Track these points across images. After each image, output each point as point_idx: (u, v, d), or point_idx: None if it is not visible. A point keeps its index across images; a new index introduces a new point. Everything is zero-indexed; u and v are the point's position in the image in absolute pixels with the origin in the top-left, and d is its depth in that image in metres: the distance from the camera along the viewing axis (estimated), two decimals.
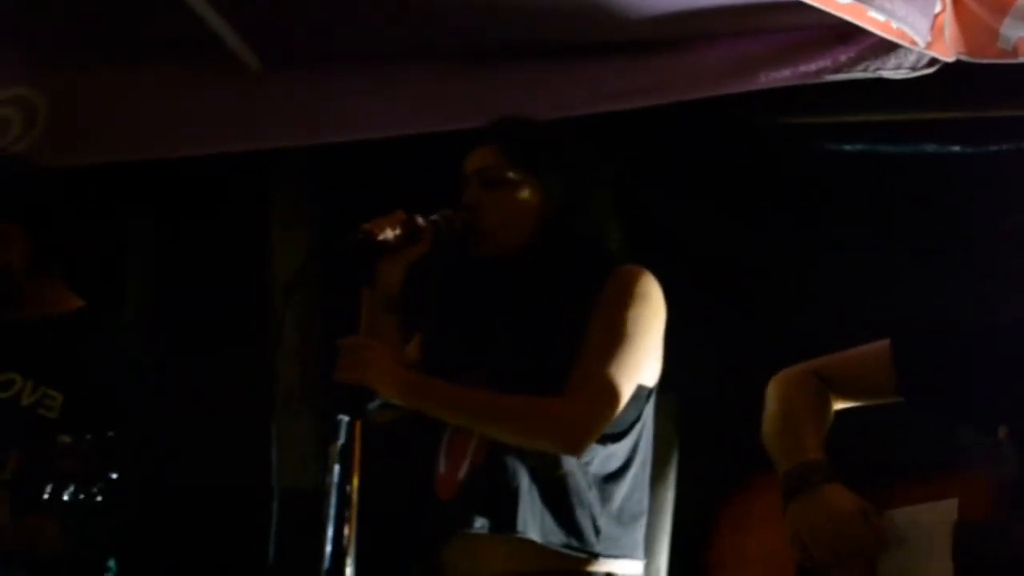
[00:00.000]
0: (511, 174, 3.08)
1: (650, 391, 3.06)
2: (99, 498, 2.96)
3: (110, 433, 3.01)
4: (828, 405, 2.99)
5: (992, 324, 2.95)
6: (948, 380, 2.86)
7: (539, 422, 2.91)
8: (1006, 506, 2.69)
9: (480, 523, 2.92)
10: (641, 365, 2.98)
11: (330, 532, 2.69)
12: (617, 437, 3.00)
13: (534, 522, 2.90)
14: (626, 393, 2.94)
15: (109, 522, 3.31)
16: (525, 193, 3.07)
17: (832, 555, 2.73)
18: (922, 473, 2.86)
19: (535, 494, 2.92)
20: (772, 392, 3.03)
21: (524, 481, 2.92)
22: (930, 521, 2.73)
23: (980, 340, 2.88)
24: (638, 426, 3.04)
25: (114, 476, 2.96)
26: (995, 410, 2.80)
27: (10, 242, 3.54)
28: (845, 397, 3.02)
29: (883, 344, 2.95)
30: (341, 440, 2.73)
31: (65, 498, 2.95)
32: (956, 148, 4.33)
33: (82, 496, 2.95)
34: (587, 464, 2.96)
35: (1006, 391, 2.76)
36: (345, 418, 2.76)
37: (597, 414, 2.91)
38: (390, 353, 2.90)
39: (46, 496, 2.96)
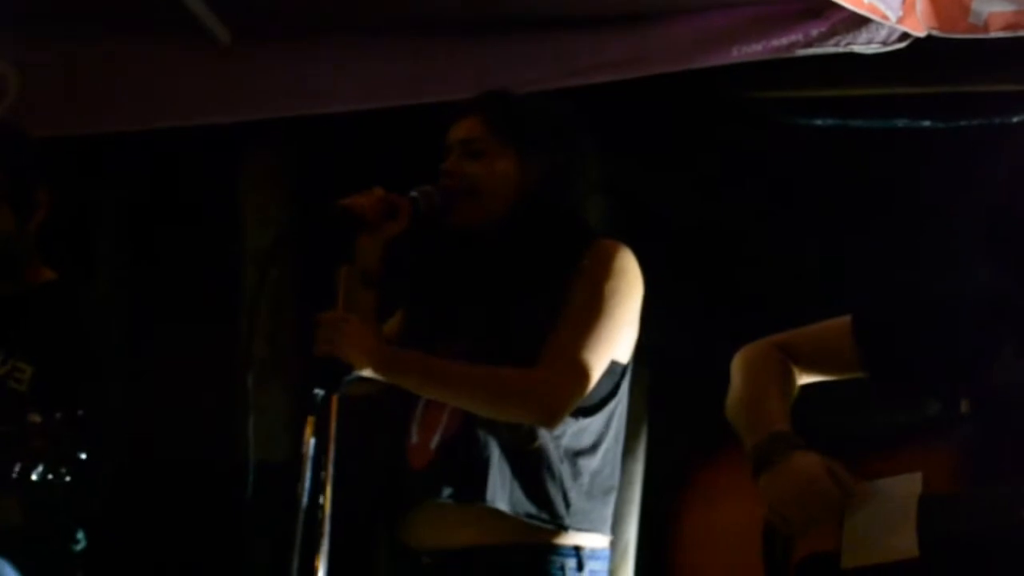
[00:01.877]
0: (493, 145, 3.08)
1: (625, 367, 3.07)
2: (68, 478, 2.95)
3: (79, 412, 2.99)
4: (792, 379, 3.00)
5: (953, 296, 2.96)
6: (909, 354, 2.87)
7: (513, 393, 2.92)
8: (970, 479, 2.71)
9: (449, 492, 2.93)
10: (616, 339, 2.99)
11: (304, 504, 2.70)
12: (590, 411, 3.01)
13: (503, 493, 2.91)
14: (600, 366, 2.95)
15: (77, 501, 3.30)
16: (506, 164, 3.08)
17: (803, 516, 2.74)
18: (887, 446, 2.87)
19: (506, 465, 2.93)
20: (737, 367, 3.04)
21: (495, 452, 2.93)
22: (895, 494, 2.74)
23: (941, 312, 2.89)
24: (612, 401, 3.05)
25: (83, 456, 2.95)
26: (956, 383, 2.82)
27: (41, 207, 3.52)
28: (809, 371, 3.03)
29: (845, 319, 2.97)
30: (317, 414, 2.73)
31: (33, 478, 2.93)
32: (927, 123, 4.35)
33: (51, 476, 2.94)
34: (559, 437, 2.97)
35: (967, 363, 2.78)
36: (320, 392, 2.76)
37: (571, 386, 2.91)
38: (366, 327, 2.91)
39: (14, 475, 2.94)
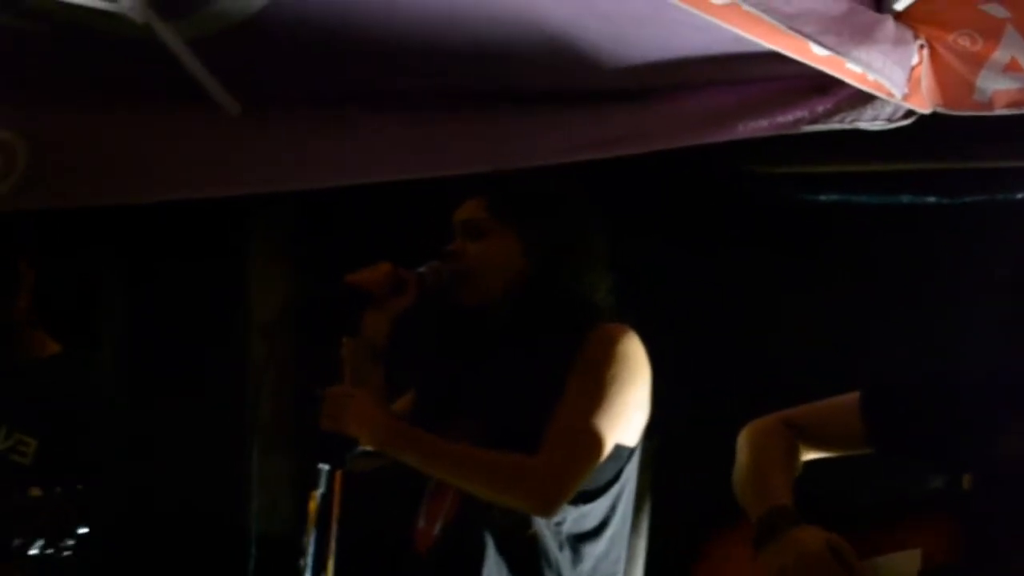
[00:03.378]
0: (494, 226, 3.09)
1: (631, 450, 3.06)
2: (67, 553, 2.94)
3: (79, 486, 2.99)
4: (797, 454, 3.00)
5: (956, 372, 2.97)
6: (914, 430, 2.88)
7: (510, 480, 2.91)
8: (970, 553, 2.70)
9: None
10: (616, 426, 2.97)
11: None
12: (592, 496, 2.99)
13: None
14: (599, 454, 2.93)
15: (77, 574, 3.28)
16: (507, 245, 3.09)
17: None
18: (888, 519, 2.87)
19: (502, 554, 2.92)
20: (742, 442, 3.04)
21: (491, 541, 2.92)
22: (895, 572, 2.74)
23: (946, 388, 2.90)
24: (616, 486, 3.04)
25: (83, 531, 2.94)
26: (959, 457, 2.82)
27: (23, 281, 3.53)
28: (815, 447, 3.03)
29: (852, 396, 2.97)
30: (321, 489, 2.73)
31: (33, 552, 2.93)
32: (931, 199, 4.36)
33: (51, 551, 2.93)
34: (559, 524, 2.96)
35: (969, 438, 2.78)
36: (325, 467, 2.76)
37: (568, 475, 2.90)
38: (372, 402, 2.91)
39: (14, 549, 2.94)
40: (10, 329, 3.54)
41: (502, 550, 2.92)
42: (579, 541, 2.98)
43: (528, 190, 3.19)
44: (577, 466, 2.90)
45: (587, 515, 2.99)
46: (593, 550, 3.00)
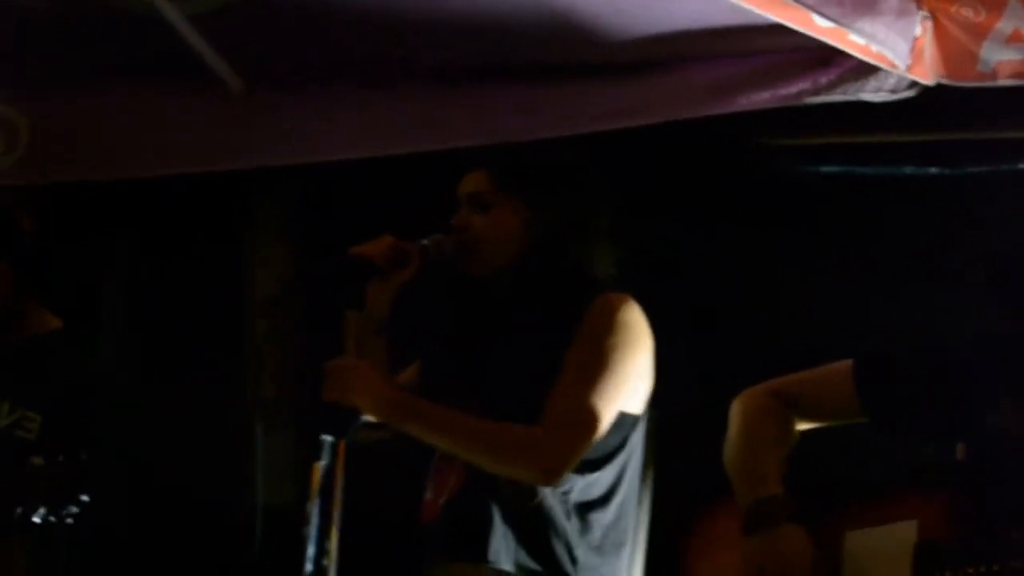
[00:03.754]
0: (499, 198, 3.10)
1: (636, 418, 3.06)
2: (70, 520, 2.95)
3: (83, 455, 3.00)
4: (790, 430, 3.00)
5: (951, 342, 2.97)
6: (908, 399, 2.88)
7: (513, 450, 2.92)
8: (965, 525, 2.70)
9: (455, 552, 2.93)
10: (619, 394, 2.97)
11: (311, 552, 2.69)
12: (597, 465, 2.99)
13: (507, 552, 2.90)
14: (602, 422, 2.93)
15: (80, 543, 3.29)
16: (512, 217, 3.09)
17: None
18: (881, 492, 2.88)
19: (510, 524, 2.92)
20: (735, 414, 3.04)
21: (497, 511, 2.93)
22: (889, 543, 2.75)
23: (939, 358, 2.90)
24: (623, 453, 3.04)
25: (86, 499, 2.95)
26: (954, 428, 2.82)
27: None
28: (808, 417, 3.03)
29: (845, 364, 2.97)
30: (324, 460, 2.73)
31: (35, 520, 2.94)
32: (934, 170, 4.36)
33: (52, 518, 2.94)
34: (566, 493, 2.96)
35: (963, 407, 2.78)
36: (328, 438, 2.76)
37: (570, 444, 2.90)
38: (375, 373, 2.91)
39: (16, 517, 2.95)
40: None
41: (508, 520, 2.93)
42: (587, 510, 2.98)
43: (534, 162, 3.19)
44: (579, 435, 2.90)
45: (594, 483, 3.00)
46: (602, 519, 3.00)
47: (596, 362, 2.95)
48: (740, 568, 2.84)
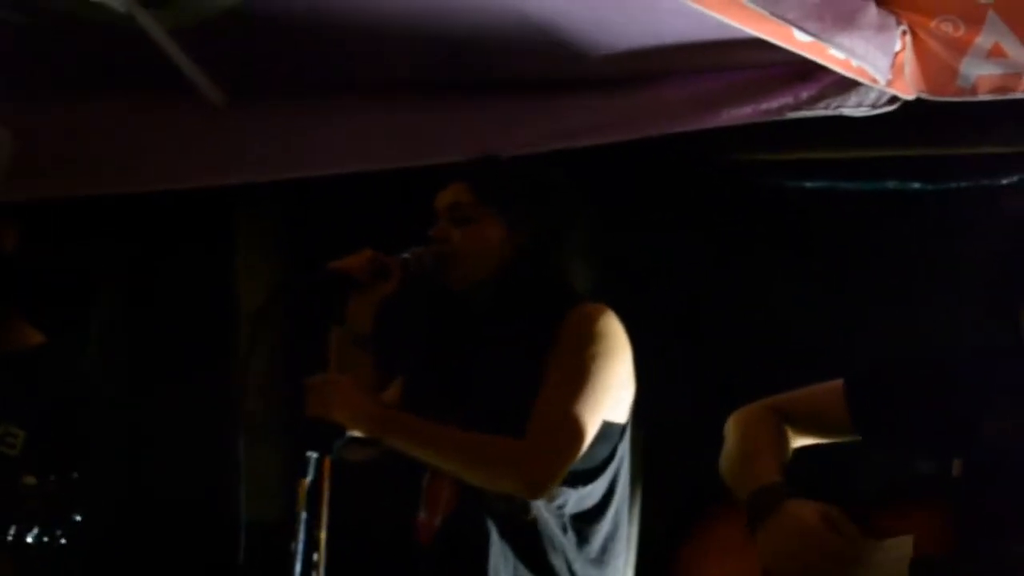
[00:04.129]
0: (478, 211, 3.10)
1: (622, 426, 3.07)
2: (63, 540, 2.94)
3: (74, 474, 2.99)
4: (786, 439, 3.00)
5: (941, 357, 2.98)
6: (901, 416, 2.88)
7: (498, 463, 2.92)
8: (962, 540, 2.71)
9: (454, 571, 2.93)
10: (601, 404, 2.98)
11: (298, 569, 2.69)
12: (589, 477, 3.00)
13: (506, 569, 2.91)
14: (586, 433, 2.93)
15: (72, 563, 3.28)
16: (491, 230, 3.10)
17: (804, 569, 2.73)
18: (877, 507, 2.87)
19: (507, 541, 2.93)
20: (730, 429, 3.05)
21: (494, 528, 2.93)
22: (886, 559, 2.74)
23: (931, 373, 2.90)
24: (613, 463, 3.04)
25: (78, 518, 2.95)
26: (948, 443, 2.83)
27: None
28: (802, 434, 3.03)
29: (836, 384, 2.97)
30: (310, 476, 2.73)
31: (29, 540, 2.93)
32: (916, 185, 4.38)
33: (46, 539, 2.94)
34: (561, 507, 2.96)
35: (958, 423, 2.79)
36: (314, 454, 2.76)
37: (555, 455, 2.91)
38: (357, 388, 2.92)
39: (9, 538, 2.94)
40: None
41: (505, 537, 2.93)
42: (583, 522, 2.99)
43: (514, 175, 3.19)
44: (564, 447, 2.90)
45: (588, 495, 3.00)
46: (599, 530, 3.00)
47: (577, 373, 2.95)
48: (746, 567, 2.82)
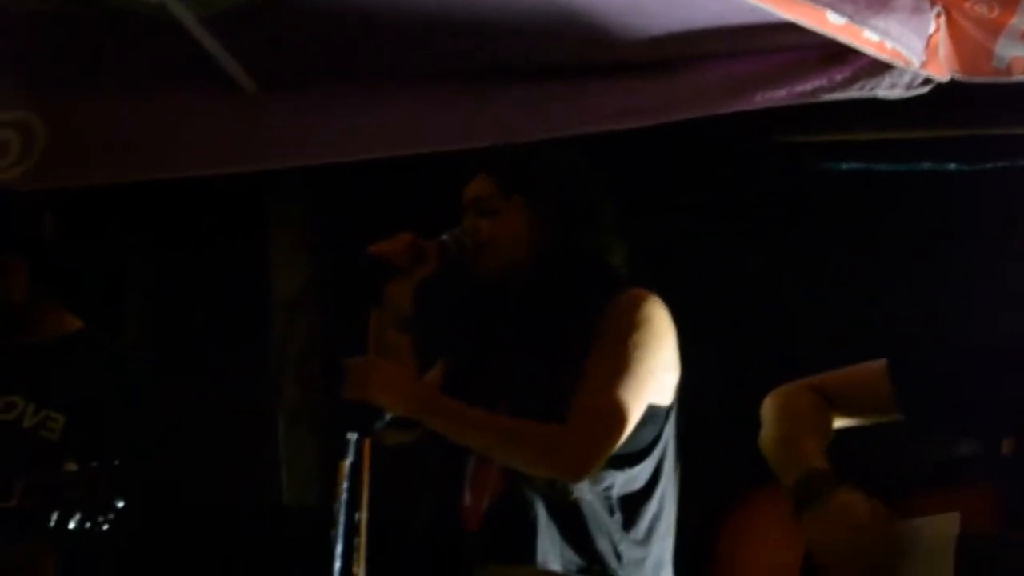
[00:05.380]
0: (501, 201, 3.10)
1: (668, 408, 3.06)
2: (105, 527, 2.95)
3: (116, 461, 3.00)
4: (828, 418, 2.99)
5: (990, 338, 2.96)
6: (948, 396, 2.86)
7: (539, 449, 2.92)
8: (1009, 519, 2.70)
9: (503, 554, 2.93)
10: (645, 390, 2.97)
11: (339, 550, 2.70)
12: (635, 459, 2.99)
13: (554, 552, 2.90)
14: (629, 420, 2.93)
15: (114, 550, 3.29)
16: (516, 219, 3.10)
17: (854, 563, 2.74)
18: (924, 486, 2.86)
19: (554, 524, 2.92)
20: (770, 406, 3.04)
21: (541, 511, 2.93)
22: (932, 535, 2.73)
23: (978, 355, 2.89)
24: (659, 446, 3.03)
25: (120, 505, 2.95)
26: (999, 423, 2.81)
27: (9, 274, 3.54)
28: (844, 414, 3.02)
29: (880, 363, 2.96)
30: (350, 458, 2.73)
31: (71, 526, 2.94)
32: (952, 166, 4.37)
33: (88, 525, 2.94)
34: (608, 489, 2.96)
35: (1010, 403, 2.77)
36: (353, 436, 2.77)
37: (596, 441, 2.91)
38: (398, 369, 2.93)
39: (51, 524, 2.95)
40: (11, 315, 3.55)
41: (552, 519, 2.92)
42: (630, 504, 2.97)
43: (535, 160, 3.19)
44: (606, 433, 2.90)
45: (635, 478, 2.99)
46: (646, 511, 3.00)
47: (622, 359, 2.95)
48: (787, 547, 2.82)
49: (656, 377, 3.01)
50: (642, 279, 3.12)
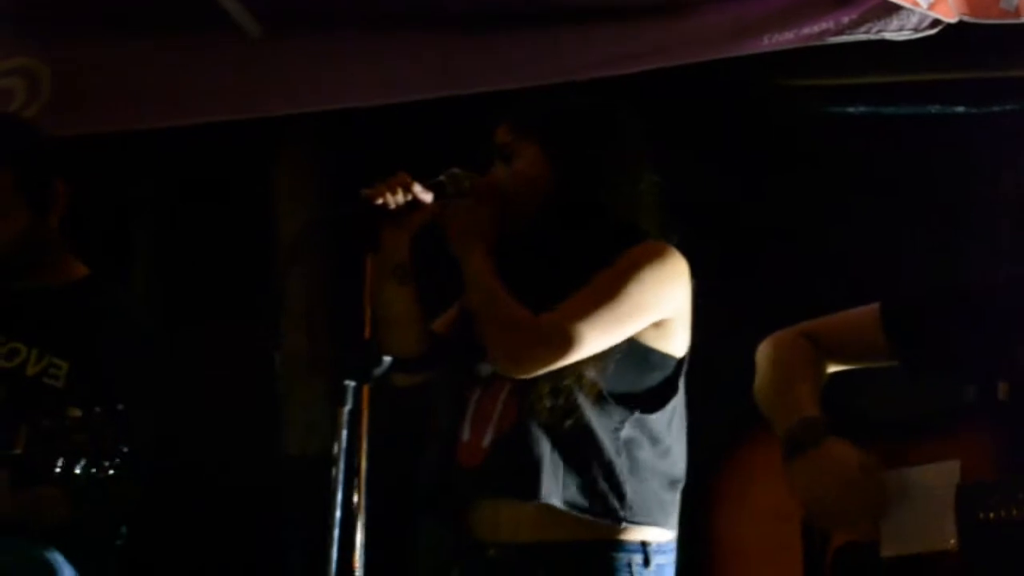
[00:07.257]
0: (519, 147, 3.07)
1: (680, 360, 3.01)
2: (111, 472, 2.96)
3: (120, 406, 3.01)
4: (821, 365, 2.99)
5: (988, 281, 2.95)
6: (942, 337, 2.85)
7: (503, 326, 2.89)
8: (1008, 466, 2.69)
9: (504, 490, 2.92)
10: (626, 320, 2.90)
11: (339, 498, 2.70)
12: (648, 405, 2.95)
13: (556, 489, 2.88)
14: (595, 341, 2.87)
15: (120, 494, 3.30)
16: (532, 165, 3.05)
17: (840, 514, 2.74)
18: (923, 433, 2.86)
19: (559, 460, 2.90)
20: (764, 353, 3.04)
21: (547, 448, 2.90)
22: (933, 482, 2.74)
23: (972, 295, 2.88)
24: (675, 398, 3.00)
25: (125, 450, 2.96)
26: (994, 366, 2.80)
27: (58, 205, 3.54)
28: (837, 360, 3.02)
29: (872, 308, 2.95)
30: (348, 405, 2.73)
31: (77, 471, 2.94)
32: (960, 109, 4.34)
33: (94, 470, 2.95)
34: (617, 430, 2.92)
35: (1005, 346, 2.76)
36: (352, 383, 2.76)
37: (547, 344, 2.85)
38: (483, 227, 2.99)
39: (57, 470, 2.96)
40: (41, 248, 3.54)
41: (560, 457, 2.89)
42: (636, 448, 2.93)
43: (553, 105, 3.16)
44: (562, 340, 2.83)
45: (644, 424, 2.94)
46: (651, 457, 2.93)
47: (612, 285, 2.89)
48: (780, 501, 2.83)
49: (646, 312, 2.93)
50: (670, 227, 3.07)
